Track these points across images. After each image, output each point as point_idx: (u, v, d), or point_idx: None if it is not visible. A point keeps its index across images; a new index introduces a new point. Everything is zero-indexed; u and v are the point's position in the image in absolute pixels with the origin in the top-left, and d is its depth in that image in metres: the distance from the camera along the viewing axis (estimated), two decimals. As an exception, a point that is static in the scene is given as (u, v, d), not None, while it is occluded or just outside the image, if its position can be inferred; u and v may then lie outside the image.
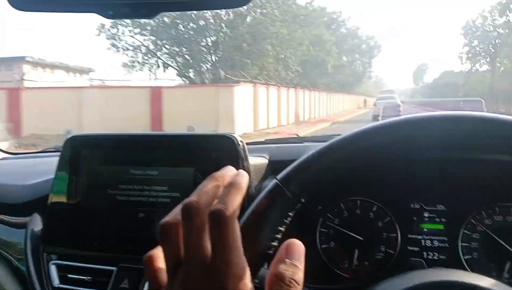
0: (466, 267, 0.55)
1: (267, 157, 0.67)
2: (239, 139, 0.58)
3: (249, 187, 0.59)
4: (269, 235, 0.46)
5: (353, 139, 0.49)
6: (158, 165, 0.60)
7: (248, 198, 0.56)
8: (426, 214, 0.58)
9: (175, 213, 0.31)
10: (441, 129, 0.42)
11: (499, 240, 0.54)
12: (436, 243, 0.57)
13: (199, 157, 0.59)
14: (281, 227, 0.46)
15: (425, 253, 0.57)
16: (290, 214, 0.47)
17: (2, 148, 1.08)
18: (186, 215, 0.30)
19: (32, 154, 1.14)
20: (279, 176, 0.48)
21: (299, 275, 0.29)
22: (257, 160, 0.64)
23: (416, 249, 0.57)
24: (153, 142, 0.62)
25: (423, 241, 0.57)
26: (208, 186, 0.31)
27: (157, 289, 0.30)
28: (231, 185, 0.31)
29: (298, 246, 0.30)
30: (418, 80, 79.00)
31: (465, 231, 0.56)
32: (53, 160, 0.68)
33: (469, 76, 28.45)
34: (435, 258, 0.56)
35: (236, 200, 0.30)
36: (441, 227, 0.57)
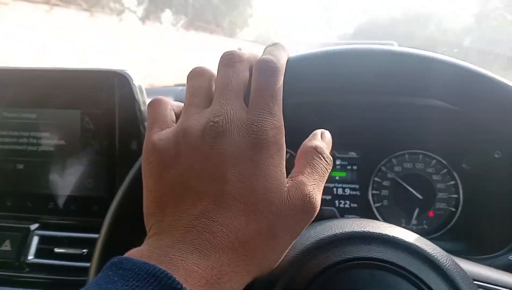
0: (377, 214, 0.54)
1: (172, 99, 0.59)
2: (134, 76, 0.50)
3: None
4: None
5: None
6: (37, 107, 0.50)
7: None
8: (338, 162, 0.55)
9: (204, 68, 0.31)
10: (358, 65, 0.37)
11: (408, 187, 0.53)
12: (347, 191, 0.55)
13: (87, 97, 0.49)
14: None
15: (337, 202, 0.55)
16: None
17: None
18: (226, 60, 0.29)
19: None
20: None
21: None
22: None
23: (328, 197, 0.55)
24: (30, 78, 0.51)
25: (335, 189, 0.55)
26: (245, 52, 0.31)
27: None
28: (276, 44, 0.31)
29: (330, 137, 0.32)
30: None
31: (376, 178, 0.54)
32: None
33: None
34: (347, 206, 0.55)
35: (284, 56, 0.30)
36: (353, 175, 0.55)
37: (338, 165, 0.55)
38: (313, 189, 0.27)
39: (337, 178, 0.55)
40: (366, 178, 0.55)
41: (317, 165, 0.28)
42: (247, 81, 0.29)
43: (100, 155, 0.50)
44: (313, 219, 0.27)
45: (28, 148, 0.51)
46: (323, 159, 0.29)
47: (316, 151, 0.29)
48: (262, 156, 0.25)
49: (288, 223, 0.26)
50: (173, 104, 0.32)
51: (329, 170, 0.29)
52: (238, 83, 0.28)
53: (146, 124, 0.51)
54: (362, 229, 0.31)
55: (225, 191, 0.24)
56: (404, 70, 0.37)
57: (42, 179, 0.51)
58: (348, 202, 0.55)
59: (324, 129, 0.54)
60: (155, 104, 0.31)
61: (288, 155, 0.56)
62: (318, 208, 0.27)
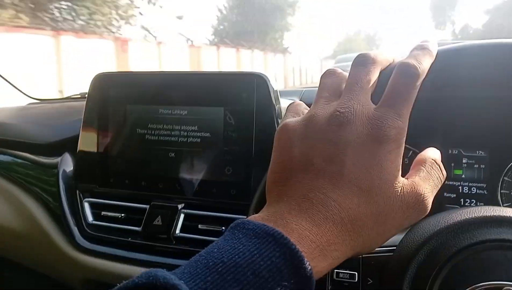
0: None
1: (299, 100, 0.65)
2: (271, 78, 0.56)
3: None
4: None
5: None
6: (188, 105, 0.59)
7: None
8: (464, 160, 0.55)
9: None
10: (494, 59, 0.38)
11: (542, 187, 0.51)
12: (474, 190, 0.55)
13: (229, 96, 0.57)
14: None
15: (462, 200, 0.55)
16: None
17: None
18: (359, 61, 0.31)
19: (59, 100, 1.15)
20: None
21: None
22: (287, 103, 0.62)
23: (453, 195, 0.55)
24: (182, 80, 0.60)
25: (460, 187, 0.55)
26: (383, 53, 0.33)
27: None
28: (423, 48, 0.32)
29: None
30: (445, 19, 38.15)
31: (506, 178, 0.53)
32: (82, 104, 0.68)
33: None
34: (472, 205, 0.54)
35: (428, 62, 0.31)
36: (480, 173, 0.54)
37: (464, 164, 0.55)
38: (428, 191, 0.29)
39: (463, 176, 0.55)
40: (496, 177, 0.53)
41: (433, 174, 0.31)
42: (376, 81, 0.31)
43: (239, 146, 0.56)
44: (421, 218, 0.30)
45: (179, 139, 0.60)
46: (440, 170, 0.31)
47: (435, 162, 0.31)
48: (380, 150, 0.28)
49: (397, 216, 0.28)
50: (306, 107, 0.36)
51: (442, 182, 0.31)
52: (367, 81, 0.30)
53: (280, 120, 0.56)
54: (493, 213, 0.32)
55: (342, 172, 0.27)
56: None
57: (189, 165, 0.59)
58: (474, 201, 0.55)
59: (451, 126, 0.54)
60: (293, 104, 0.36)
61: (410, 152, 0.57)
62: (429, 210, 0.29)
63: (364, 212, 0.27)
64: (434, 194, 0.30)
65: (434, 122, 0.55)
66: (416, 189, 0.29)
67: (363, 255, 0.38)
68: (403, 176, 0.30)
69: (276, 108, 0.56)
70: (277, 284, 0.23)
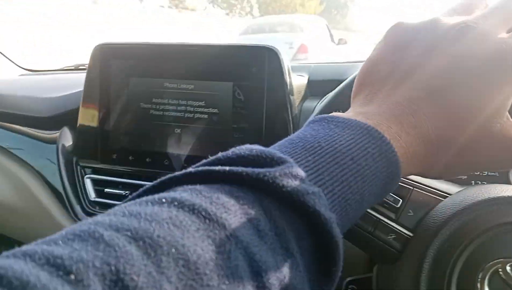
0: None
1: (306, 76, 0.63)
2: (281, 52, 0.53)
3: (292, 107, 0.55)
4: None
5: None
6: (194, 78, 0.57)
7: (292, 119, 0.53)
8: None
9: None
10: None
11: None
12: (485, 172, 0.54)
13: (239, 71, 0.54)
14: None
15: (473, 182, 0.54)
16: None
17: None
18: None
19: (52, 71, 1.10)
20: None
21: None
22: (297, 79, 0.60)
23: (463, 177, 0.55)
24: (189, 52, 0.57)
25: (472, 168, 0.54)
26: None
27: None
28: None
29: None
30: None
31: None
32: (78, 76, 0.65)
33: None
34: (483, 186, 0.54)
35: None
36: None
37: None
38: None
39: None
40: None
41: None
42: None
43: (249, 124, 0.55)
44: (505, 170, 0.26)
45: (185, 115, 0.58)
46: None
47: None
48: (494, 78, 0.24)
49: (485, 153, 0.25)
50: None
51: None
52: None
53: (291, 96, 0.55)
54: None
55: (444, 91, 0.24)
56: None
57: (196, 142, 0.57)
58: (485, 182, 0.54)
59: None
60: None
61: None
62: None
63: (452, 137, 0.25)
64: None
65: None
66: None
67: (416, 188, 0.36)
68: None
69: (288, 84, 0.54)
70: (372, 174, 0.22)
